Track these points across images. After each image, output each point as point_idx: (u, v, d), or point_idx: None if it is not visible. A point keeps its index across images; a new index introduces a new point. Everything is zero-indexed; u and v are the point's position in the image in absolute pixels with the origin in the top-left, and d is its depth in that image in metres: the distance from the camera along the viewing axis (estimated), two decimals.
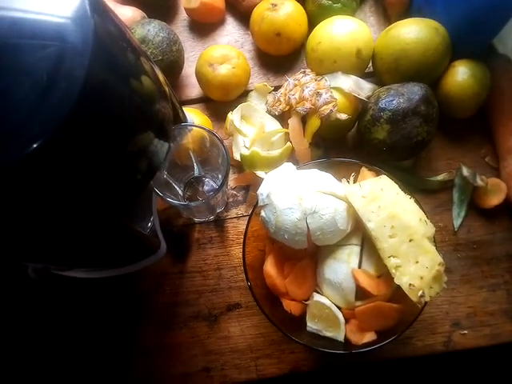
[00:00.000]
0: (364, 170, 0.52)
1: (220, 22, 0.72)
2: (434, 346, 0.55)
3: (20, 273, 0.48)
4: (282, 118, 0.62)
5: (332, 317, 0.49)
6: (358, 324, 0.49)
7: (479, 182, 0.57)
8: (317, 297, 0.50)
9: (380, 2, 0.71)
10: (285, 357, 0.55)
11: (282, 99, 0.60)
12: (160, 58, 0.61)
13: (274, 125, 0.62)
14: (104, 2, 0.34)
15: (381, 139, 0.55)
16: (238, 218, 0.62)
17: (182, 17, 0.73)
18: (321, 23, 0.61)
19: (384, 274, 0.47)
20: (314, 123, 0.57)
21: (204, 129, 0.50)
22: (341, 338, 0.49)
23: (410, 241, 0.45)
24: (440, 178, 0.60)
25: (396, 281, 0.44)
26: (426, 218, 0.48)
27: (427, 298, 0.44)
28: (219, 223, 0.61)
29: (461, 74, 0.57)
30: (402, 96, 0.54)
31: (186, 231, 0.61)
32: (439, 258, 0.45)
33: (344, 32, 0.58)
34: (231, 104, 0.64)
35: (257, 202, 0.51)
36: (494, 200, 0.58)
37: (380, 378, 0.77)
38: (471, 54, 0.58)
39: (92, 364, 0.57)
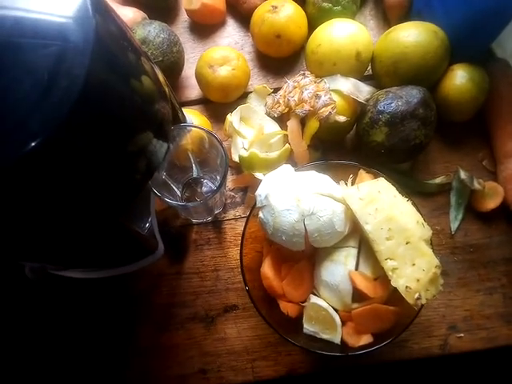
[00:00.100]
0: (362, 173, 0.52)
1: (220, 24, 0.73)
2: (431, 349, 0.55)
3: (17, 272, 0.48)
4: (281, 119, 0.62)
5: (329, 319, 0.49)
6: (355, 326, 0.49)
7: (476, 185, 0.58)
8: (314, 299, 0.50)
9: (380, 5, 0.71)
10: (281, 359, 0.55)
11: (281, 101, 0.60)
12: (160, 58, 0.61)
13: (273, 127, 0.63)
14: (106, 2, 0.34)
15: (379, 142, 0.55)
16: (235, 219, 0.62)
17: (183, 18, 0.73)
18: (321, 26, 0.62)
19: (381, 277, 0.47)
20: (313, 125, 0.57)
21: (203, 130, 0.50)
22: (337, 340, 0.49)
23: (407, 243, 0.45)
24: (437, 181, 0.61)
25: (393, 283, 0.44)
26: (423, 221, 0.48)
27: (424, 301, 0.44)
28: (217, 224, 0.61)
29: (459, 78, 0.58)
30: (400, 99, 0.54)
31: (184, 232, 0.61)
32: (436, 261, 0.45)
33: (344, 35, 0.59)
34: (230, 105, 0.64)
35: (255, 204, 0.51)
36: (491, 203, 0.58)
37: (376, 381, 0.77)
38: (470, 57, 0.58)
39: (89, 364, 0.56)
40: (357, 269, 0.49)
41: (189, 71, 0.69)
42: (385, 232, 0.45)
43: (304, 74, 0.60)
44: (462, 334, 0.55)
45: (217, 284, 0.59)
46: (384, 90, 0.58)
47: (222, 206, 0.61)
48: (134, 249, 0.48)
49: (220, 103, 0.66)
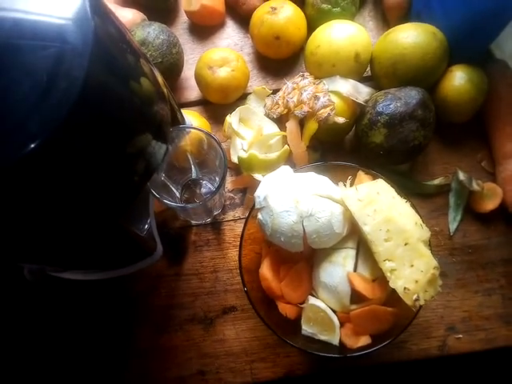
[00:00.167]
0: (361, 174, 0.52)
1: (220, 25, 0.73)
2: (429, 350, 0.55)
3: (16, 274, 0.48)
4: (280, 121, 0.62)
5: (327, 320, 0.49)
6: (353, 328, 0.49)
7: (475, 186, 0.58)
8: (312, 300, 0.50)
9: (379, 6, 0.71)
10: (280, 360, 0.55)
11: (280, 102, 0.60)
12: (160, 60, 0.61)
13: (272, 128, 0.63)
14: (105, 3, 0.34)
15: (378, 143, 0.55)
16: (234, 220, 0.62)
17: (183, 19, 0.73)
18: (320, 27, 0.62)
19: (379, 278, 0.47)
20: (312, 126, 0.57)
21: (202, 131, 0.50)
22: (336, 341, 0.49)
23: (406, 244, 0.45)
24: (436, 182, 0.61)
25: (391, 284, 0.44)
26: (422, 222, 0.48)
27: (422, 302, 0.44)
28: (216, 226, 0.61)
29: (458, 79, 0.58)
30: (399, 100, 0.54)
31: (183, 233, 0.61)
32: (434, 262, 0.45)
33: (343, 36, 0.59)
34: (230, 107, 0.64)
35: (254, 205, 0.51)
36: (490, 205, 0.58)
37: (375, 382, 0.77)
38: (469, 59, 0.59)
39: (87, 366, 0.56)
40: (355, 270, 0.49)
41: (188, 72, 0.69)
42: (383, 233, 0.45)
43: (303, 75, 0.60)
44: (460, 335, 0.55)
45: (216, 285, 0.59)
46: (383, 91, 0.58)
47: (221, 207, 0.62)
48: (133, 250, 0.48)
49: (219, 104, 0.66)
